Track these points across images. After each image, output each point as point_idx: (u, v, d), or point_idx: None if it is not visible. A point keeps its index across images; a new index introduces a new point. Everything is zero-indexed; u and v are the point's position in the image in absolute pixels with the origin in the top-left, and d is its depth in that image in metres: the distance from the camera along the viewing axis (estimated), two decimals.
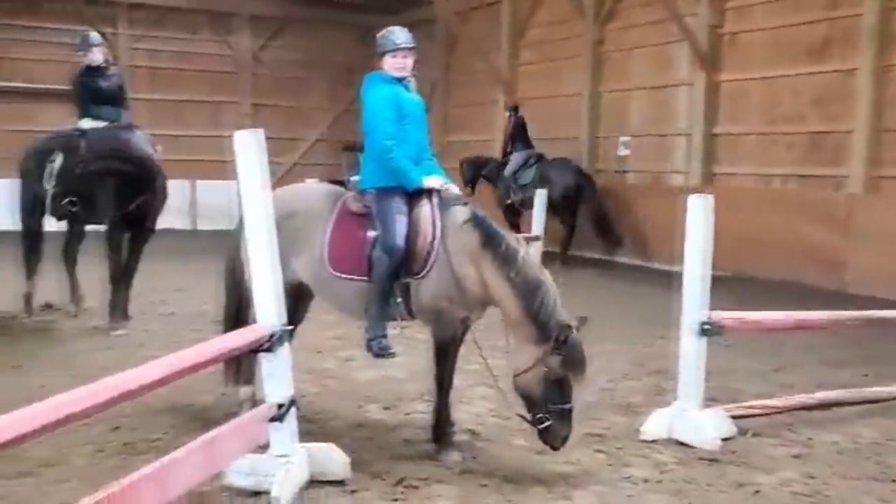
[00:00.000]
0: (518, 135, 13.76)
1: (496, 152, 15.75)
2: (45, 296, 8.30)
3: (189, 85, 18.20)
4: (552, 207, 11.83)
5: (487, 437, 4.87)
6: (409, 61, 4.69)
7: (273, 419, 3.93)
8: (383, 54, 4.68)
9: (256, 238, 3.97)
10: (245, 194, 3.95)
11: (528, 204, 11.74)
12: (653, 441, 4.84)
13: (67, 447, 4.43)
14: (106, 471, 4.20)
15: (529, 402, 4.23)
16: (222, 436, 3.57)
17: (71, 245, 8.34)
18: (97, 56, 7.67)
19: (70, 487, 3.99)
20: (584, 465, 4.47)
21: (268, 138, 4.04)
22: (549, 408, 4.13)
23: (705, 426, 4.77)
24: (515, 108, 13.98)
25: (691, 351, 4.84)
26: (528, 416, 4.27)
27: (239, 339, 3.88)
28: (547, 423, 4.15)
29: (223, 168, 17.97)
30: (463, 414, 5.15)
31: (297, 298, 4.78)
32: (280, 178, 18.07)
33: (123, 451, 4.52)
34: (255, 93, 18.88)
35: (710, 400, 5.22)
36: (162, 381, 3.19)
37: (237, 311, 4.92)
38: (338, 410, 5.34)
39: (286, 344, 4.04)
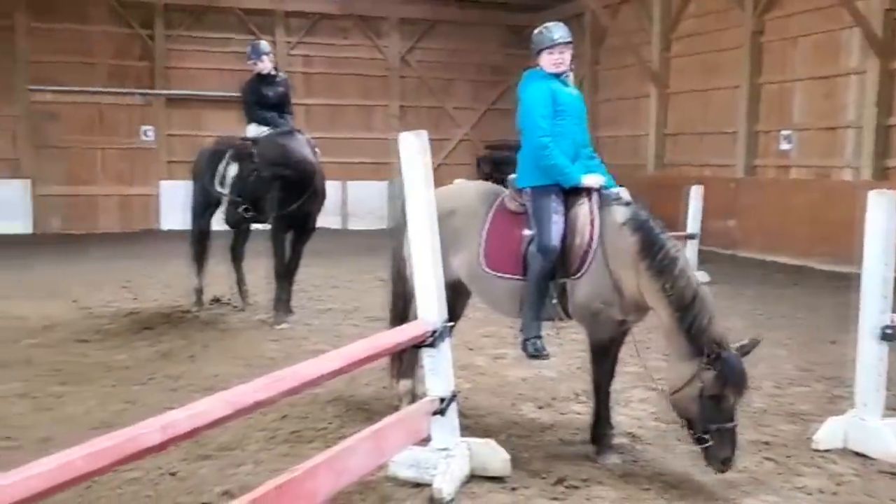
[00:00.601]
0: None
1: (648, 148, 15.49)
2: (213, 291, 8.83)
3: (341, 89, 18.82)
4: None
5: (648, 441, 4.75)
6: (567, 56, 4.64)
7: (435, 413, 4.00)
8: (540, 51, 4.65)
9: (419, 236, 4.05)
10: (409, 194, 4.03)
11: None
12: (826, 451, 4.58)
13: (243, 433, 4.69)
14: (277, 456, 4.43)
15: (688, 420, 4.06)
16: (388, 427, 3.66)
17: (237, 243, 8.78)
18: (267, 64, 8.02)
19: (246, 471, 4.23)
20: (753, 472, 4.28)
21: None
22: (708, 427, 3.93)
23: (887, 437, 4.45)
24: None
25: (871, 356, 4.53)
26: (689, 435, 4.10)
27: (403, 334, 3.97)
28: (707, 444, 3.95)
29: (373, 169, 18.70)
30: (622, 417, 5.05)
31: (456, 296, 4.84)
32: None
33: (291, 439, 4.73)
34: (403, 95, 19.31)
35: (891, 409, 4.89)
36: (337, 372, 3.31)
37: (403, 308, 5.03)
38: (491, 408, 5.37)
39: (447, 340, 4.11)
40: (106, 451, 2.22)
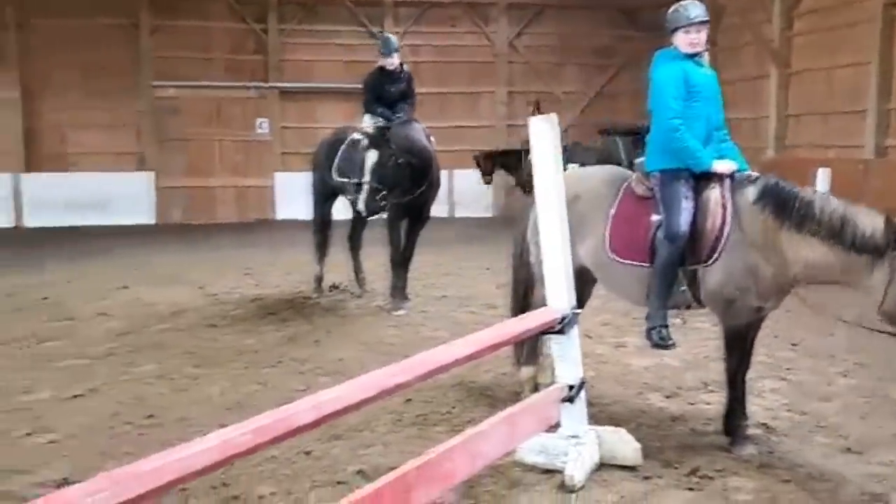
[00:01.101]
0: None
1: (768, 130, 15.01)
2: (332, 278, 9.03)
3: (448, 77, 18.82)
4: None
5: (783, 433, 4.58)
6: (703, 35, 4.47)
7: (564, 400, 3.98)
8: (675, 30, 4.49)
9: (549, 221, 4.01)
10: (538, 179, 4.01)
11: None
12: None
13: (370, 415, 4.77)
14: (406, 438, 4.51)
15: None
16: (519, 413, 3.67)
17: (355, 232, 8.94)
18: (395, 60, 8.08)
19: (377, 452, 4.32)
20: None
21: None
22: None
23: None
24: (538, 104, 16.37)
25: None
26: None
27: (532, 320, 3.96)
28: None
29: None
30: (754, 407, 4.85)
31: (581, 283, 4.76)
32: None
33: (418, 422, 4.79)
34: (510, 81, 19.18)
35: None
36: (469, 358, 3.33)
37: (524, 294, 5.01)
38: (616, 396, 5.29)
39: (575, 327, 4.07)
40: (266, 429, 2.30)
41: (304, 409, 2.43)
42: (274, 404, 5.03)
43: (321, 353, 6.39)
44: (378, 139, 7.79)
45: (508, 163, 16.97)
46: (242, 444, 2.23)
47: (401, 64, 8.22)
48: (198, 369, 5.98)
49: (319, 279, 8.77)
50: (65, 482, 3.96)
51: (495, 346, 3.65)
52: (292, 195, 17.46)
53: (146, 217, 17.48)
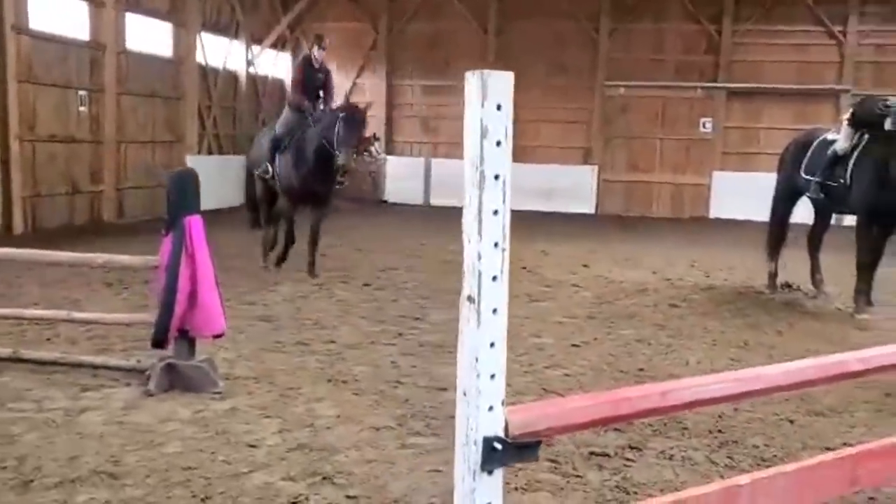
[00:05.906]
0: None
1: None
2: (783, 277, 9.16)
3: None
4: None
5: None
6: None
7: None
8: None
9: None
10: None
11: None
12: None
13: (847, 401, 5.06)
14: (888, 427, 4.69)
15: None
16: None
17: (815, 232, 8.94)
18: None
19: (860, 432, 4.60)
20: None
21: None
22: None
23: None
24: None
25: None
26: None
27: None
28: None
29: None
30: None
31: None
32: None
33: None
34: None
35: None
36: None
37: None
38: None
39: None
40: (826, 366, 2.84)
41: (850, 359, 2.92)
42: None
43: (786, 342, 6.73)
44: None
45: None
46: (809, 375, 2.80)
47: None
48: (671, 339, 6.73)
49: (773, 276, 8.99)
50: None
51: None
52: (728, 194, 17.66)
53: (587, 207, 18.96)
